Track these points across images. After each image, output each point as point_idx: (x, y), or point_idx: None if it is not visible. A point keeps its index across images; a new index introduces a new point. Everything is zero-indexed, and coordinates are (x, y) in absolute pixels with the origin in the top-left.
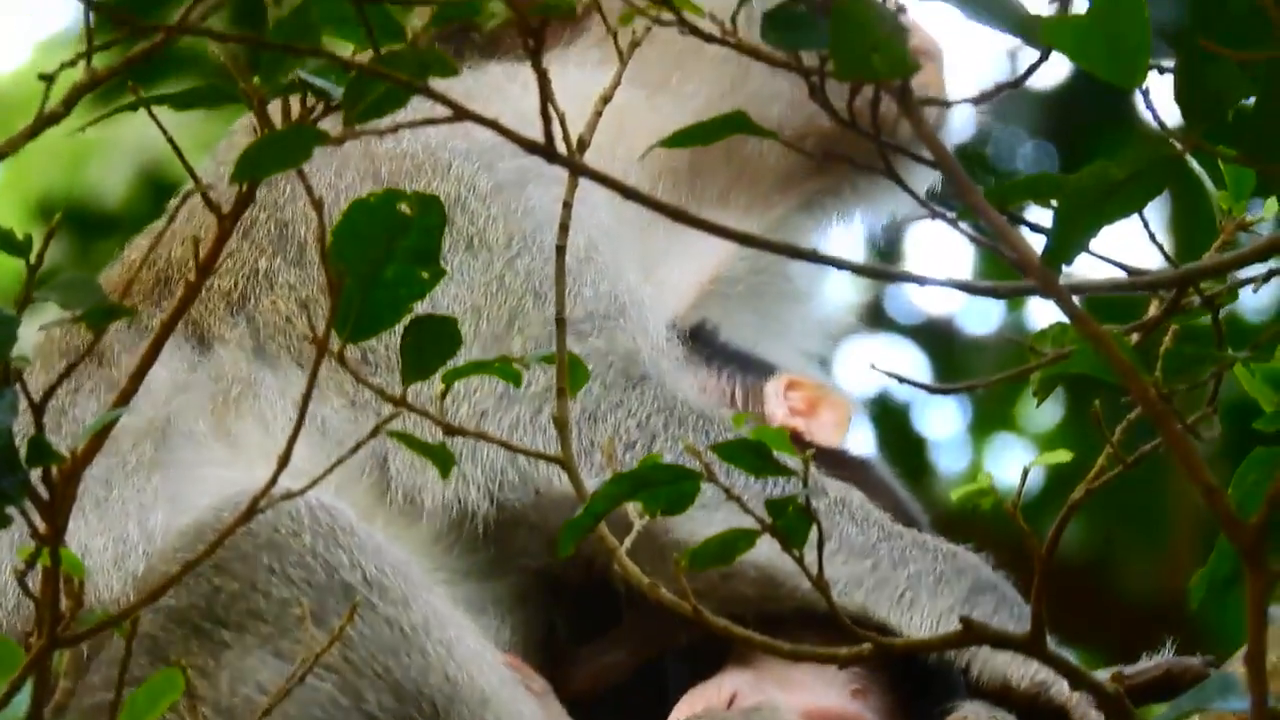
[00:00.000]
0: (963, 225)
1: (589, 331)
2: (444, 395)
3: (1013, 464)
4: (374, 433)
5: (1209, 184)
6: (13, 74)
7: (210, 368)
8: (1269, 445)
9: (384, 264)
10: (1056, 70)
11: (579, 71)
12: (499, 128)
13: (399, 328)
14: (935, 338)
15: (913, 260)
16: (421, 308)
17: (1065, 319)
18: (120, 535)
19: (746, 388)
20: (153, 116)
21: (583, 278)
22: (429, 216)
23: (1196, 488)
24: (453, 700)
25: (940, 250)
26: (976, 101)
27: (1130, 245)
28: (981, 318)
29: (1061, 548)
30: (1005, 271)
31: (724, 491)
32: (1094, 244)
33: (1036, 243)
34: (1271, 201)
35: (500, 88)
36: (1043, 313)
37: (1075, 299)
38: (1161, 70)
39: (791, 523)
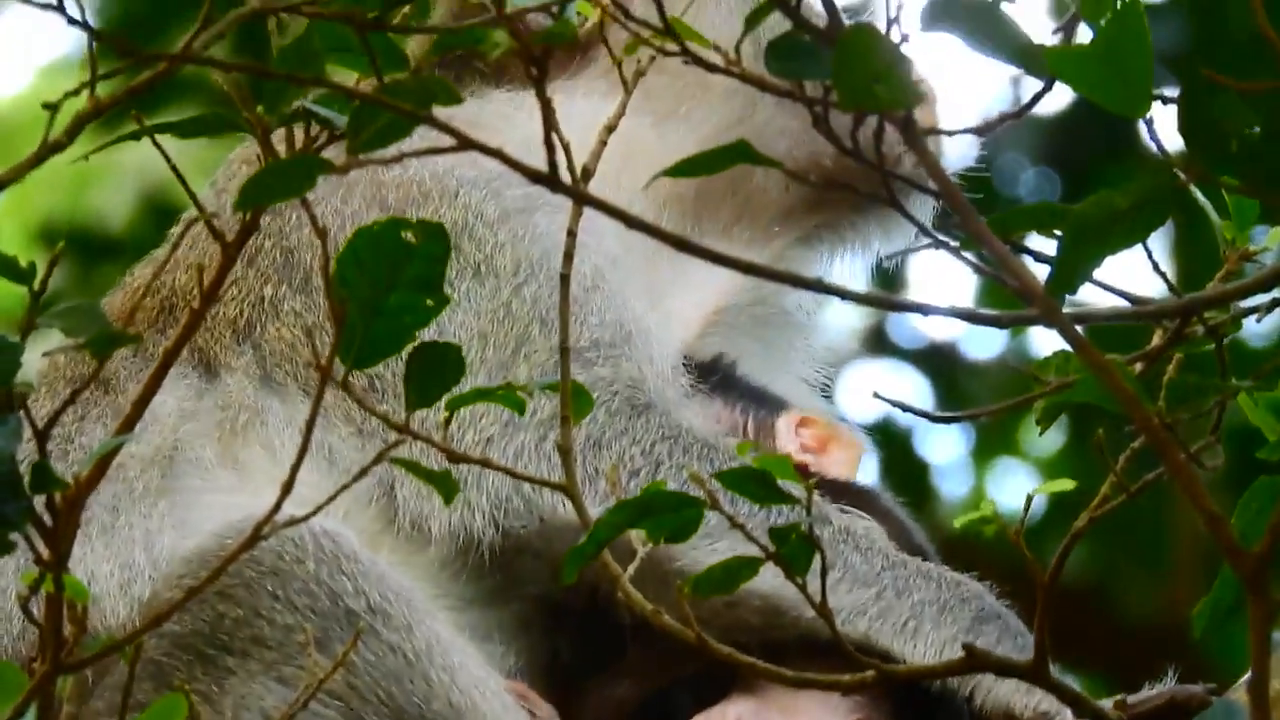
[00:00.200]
0: (966, 254)
1: (595, 360)
2: (448, 422)
3: (1015, 489)
4: (378, 459)
5: (1212, 213)
6: (15, 98)
7: (217, 396)
8: (1272, 474)
9: (388, 292)
10: (1059, 98)
11: (586, 101)
12: (503, 156)
13: (405, 354)
14: (938, 363)
15: (916, 287)
16: (428, 334)
17: (1068, 347)
18: (126, 561)
19: (759, 422)
20: (156, 145)
21: (589, 306)
22: (433, 245)
23: (1199, 516)
24: None
25: (943, 277)
26: (979, 132)
27: (1133, 273)
28: (984, 343)
29: (1064, 574)
30: (1008, 298)
31: (728, 519)
32: (1097, 272)
33: (1039, 271)
34: (1275, 231)
35: (507, 115)
36: (1045, 339)
37: (1078, 328)
38: (1165, 100)
39: (795, 551)
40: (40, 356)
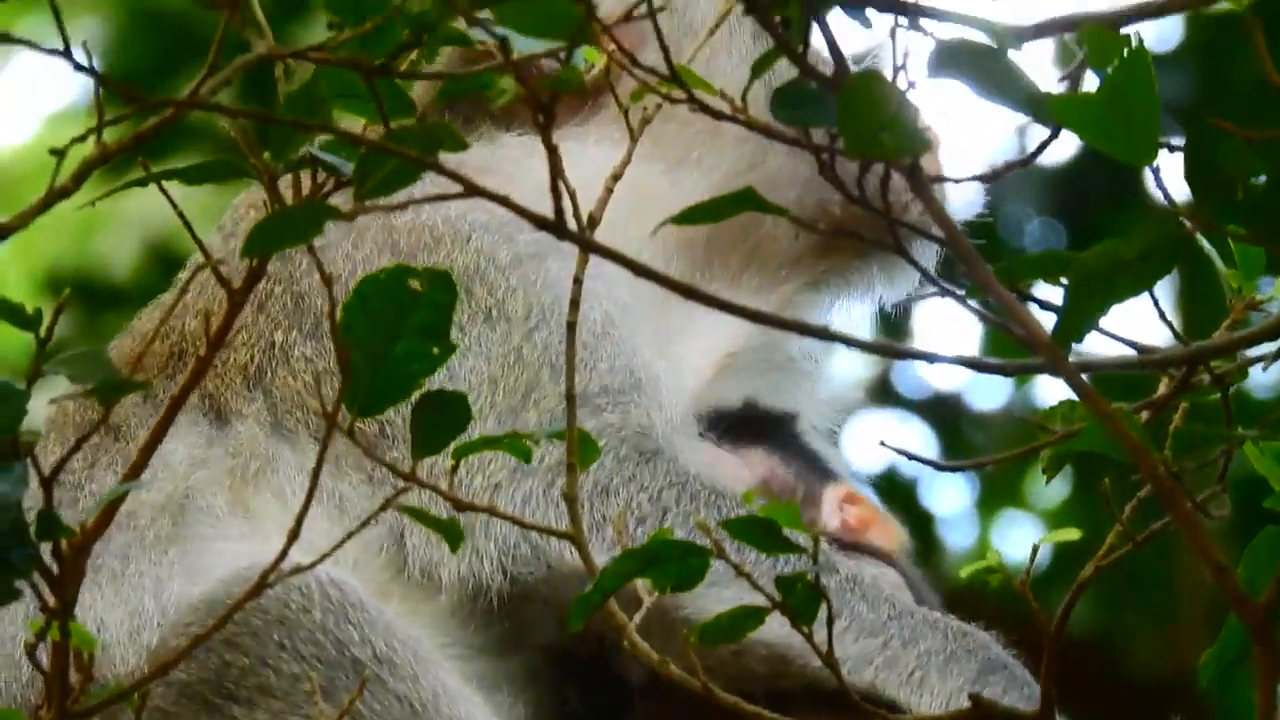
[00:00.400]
0: (972, 302)
1: (604, 406)
2: (454, 470)
3: (1020, 540)
4: (383, 507)
5: (1218, 262)
6: (22, 146)
7: (228, 443)
8: (1278, 524)
9: (394, 340)
10: (1065, 147)
11: (598, 148)
12: (509, 203)
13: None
14: (942, 413)
15: (921, 336)
16: (439, 378)
17: (1074, 395)
18: (136, 609)
19: (808, 486)
20: (163, 191)
21: (599, 352)
22: (439, 292)
23: (1205, 566)
24: None
25: (948, 325)
26: (986, 180)
27: (1139, 321)
28: (989, 393)
29: (1069, 624)
30: (1013, 347)
31: (734, 568)
32: (1103, 321)
33: (1045, 320)
34: None
35: (519, 160)
36: (1051, 388)
37: (1084, 376)
38: (1171, 149)
39: (801, 600)
40: (47, 404)
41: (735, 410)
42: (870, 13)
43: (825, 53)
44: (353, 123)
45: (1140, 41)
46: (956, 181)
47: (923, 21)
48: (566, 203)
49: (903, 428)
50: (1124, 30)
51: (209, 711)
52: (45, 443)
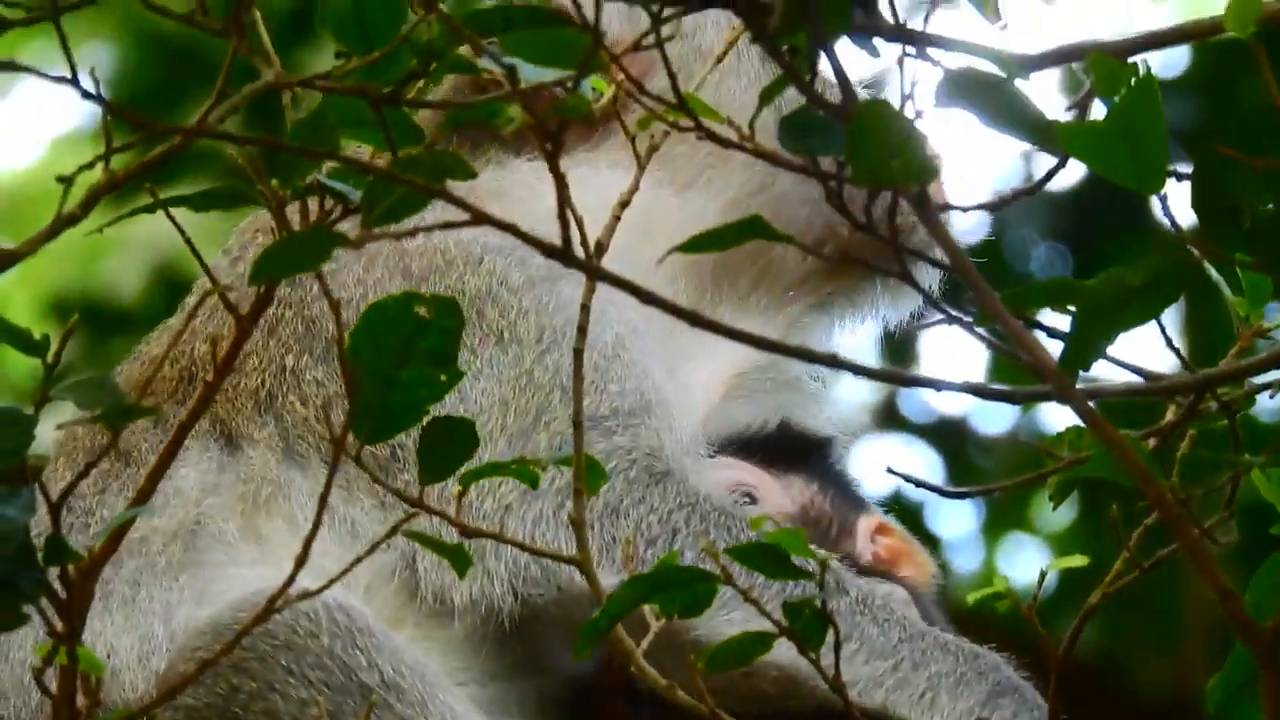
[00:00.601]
0: (979, 329)
1: (614, 429)
2: (461, 496)
3: (1026, 563)
4: (391, 533)
5: (1225, 289)
6: (28, 170)
7: (239, 468)
8: None
9: (401, 366)
10: (1071, 173)
11: (610, 173)
12: (515, 230)
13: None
14: (948, 438)
15: (927, 361)
16: (451, 400)
17: (1081, 422)
18: (146, 634)
19: (842, 515)
20: (170, 218)
21: (609, 374)
22: (446, 318)
23: (1212, 592)
24: None
25: (955, 350)
26: (992, 208)
27: (1146, 348)
28: (995, 419)
29: (1076, 649)
30: (1020, 373)
31: (741, 595)
32: (1110, 347)
33: (1052, 347)
34: None
35: (530, 186)
36: (1057, 413)
37: (1091, 404)
38: (1179, 177)
39: (809, 625)
40: (54, 429)
41: (771, 431)
42: (878, 41)
43: (832, 78)
44: (360, 151)
45: (1148, 70)
46: (964, 210)
47: (930, 50)
48: (575, 230)
49: (909, 452)
50: (1131, 59)
51: None
52: (54, 467)
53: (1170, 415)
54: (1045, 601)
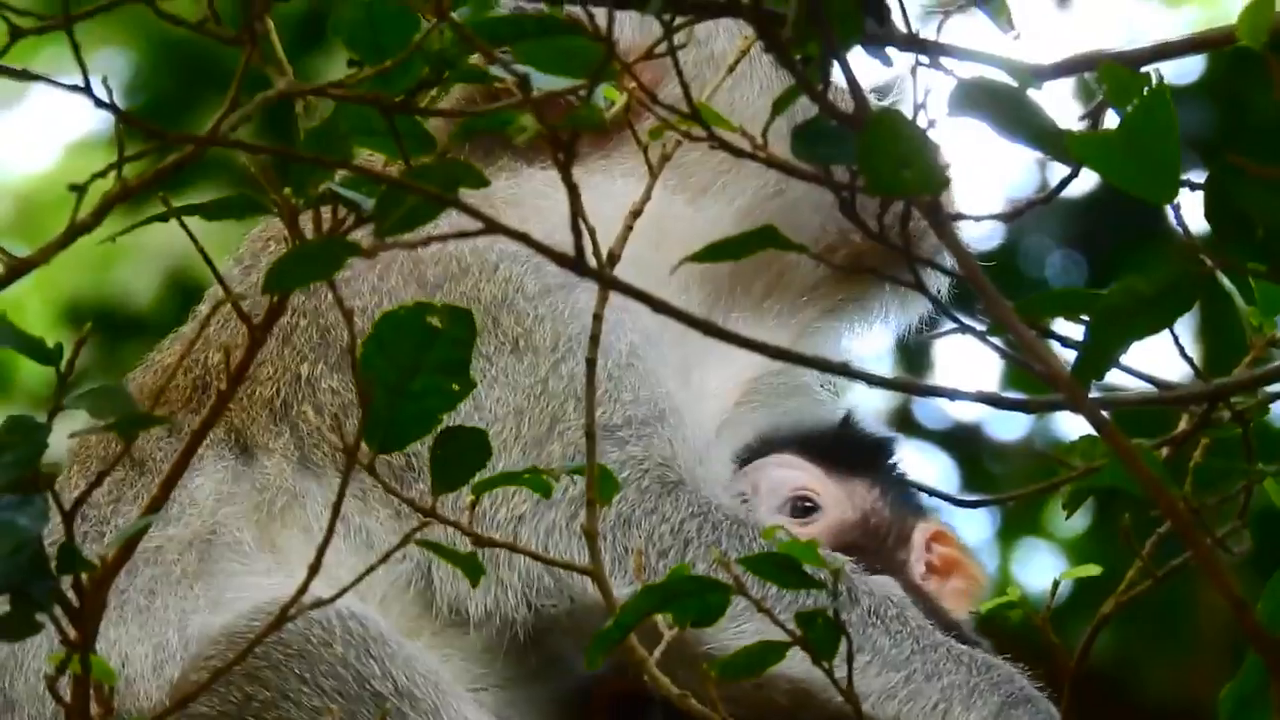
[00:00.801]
0: (992, 339)
1: (628, 439)
2: (473, 506)
3: (1040, 569)
4: (403, 542)
5: (1238, 299)
6: (42, 175)
7: (255, 478)
8: None
9: (412, 376)
10: (1085, 181)
11: (624, 182)
12: (527, 240)
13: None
14: (963, 444)
15: (942, 367)
16: (465, 408)
17: (1095, 431)
18: (161, 643)
19: (899, 518)
20: (183, 226)
21: (623, 383)
22: (458, 329)
23: (1225, 601)
24: None
25: (970, 357)
26: (1006, 219)
27: (1159, 357)
28: (1009, 425)
29: (1089, 657)
30: (1034, 382)
31: (754, 604)
32: (1123, 357)
33: (1066, 356)
34: None
35: (546, 195)
36: (1071, 420)
37: (1105, 413)
38: (1192, 186)
39: (821, 635)
40: (68, 438)
41: (834, 428)
42: (891, 51)
43: (845, 84)
44: (373, 160)
45: (1160, 80)
46: (977, 220)
47: (943, 60)
48: (587, 239)
49: (923, 459)
50: (1144, 69)
51: None
52: (69, 476)
53: (1183, 424)
54: (1058, 608)
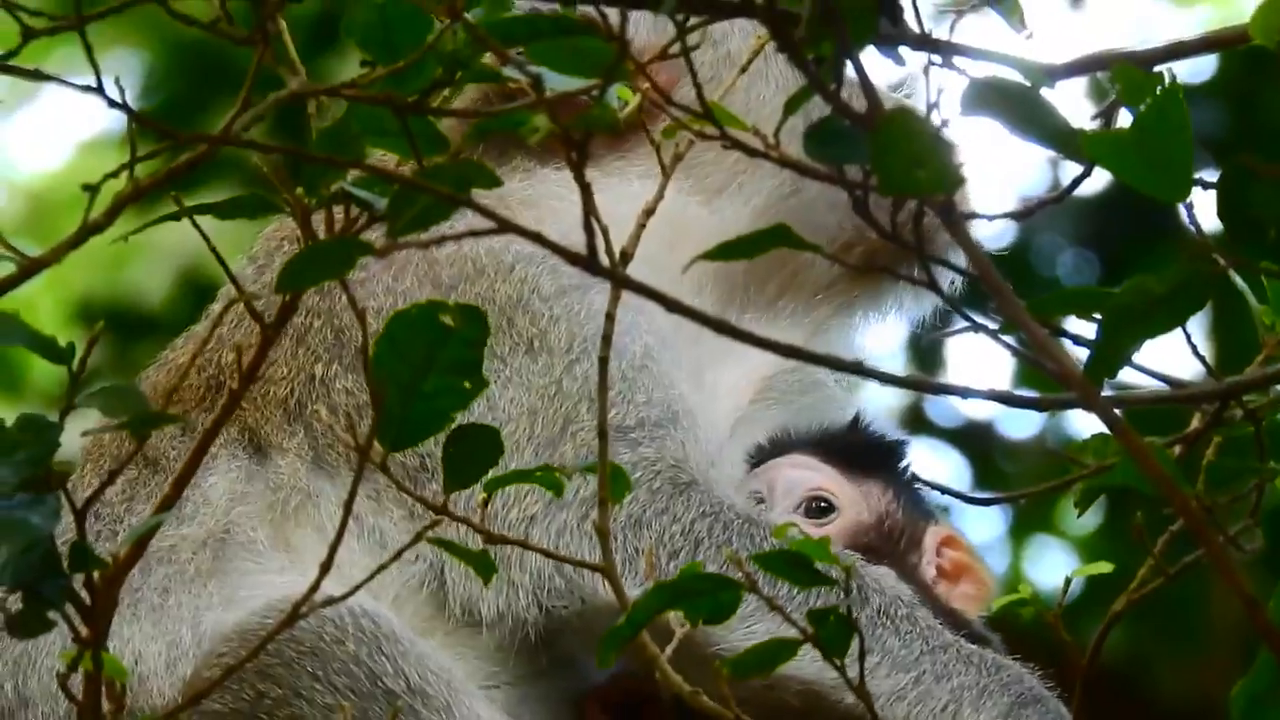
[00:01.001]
0: (1005, 337)
1: (640, 440)
2: (485, 504)
3: (1052, 566)
4: (415, 540)
5: (1250, 297)
6: (55, 173)
7: (269, 477)
8: None
9: (424, 375)
10: (1098, 179)
11: (640, 182)
12: (541, 239)
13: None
14: (975, 442)
15: (954, 365)
16: (479, 408)
17: (1107, 429)
18: (174, 641)
19: (910, 521)
20: (195, 226)
21: (637, 384)
22: (471, 328)
23: (1237, 599)
24: None
25: (982, 355)
26: (1018, 217)
27: (1172, 355)
28: (1021, 423)
29: (1100, 655)
30: (1046, 380)
31: (765, 602)
32: (1135, 355)
33: (1078, 354)
34: None
35: (561, 195)
36: (1083, 418)
37: (1117, 411)
38: (1205, 186)
39: (833, 633)
40: (80, 436)
41: (847, 429)
42: (903, 50)
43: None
44: (386, 160)
45: (1173, 79)
46: (991, 219)
47: (956, 59)
48: (601, 239)
49: (935, 457)
50: (1156, 68)
51: None
52: (82, 474)
53: (1196, 423)
54: (1070, 606)
